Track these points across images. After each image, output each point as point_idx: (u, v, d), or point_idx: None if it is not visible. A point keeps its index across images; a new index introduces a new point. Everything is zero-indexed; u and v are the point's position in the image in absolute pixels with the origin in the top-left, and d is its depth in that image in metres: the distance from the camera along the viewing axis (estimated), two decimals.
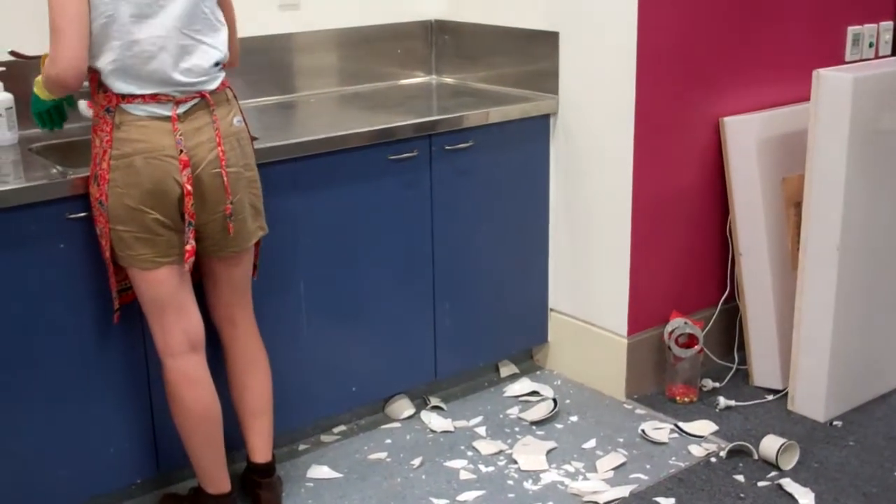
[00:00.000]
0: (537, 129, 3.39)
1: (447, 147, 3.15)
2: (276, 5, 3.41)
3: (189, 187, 2.37)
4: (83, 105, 2.95)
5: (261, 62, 3.36)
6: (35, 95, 2.65)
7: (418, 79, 3.82)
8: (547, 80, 3.39)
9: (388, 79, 3.75)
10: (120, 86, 2.35)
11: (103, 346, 2.61)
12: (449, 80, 3.80)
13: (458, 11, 3.72)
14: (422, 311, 3.24)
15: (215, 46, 2.45)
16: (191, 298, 2.53)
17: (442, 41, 3.80)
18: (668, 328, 3.33)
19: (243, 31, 2.64)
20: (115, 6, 2.29)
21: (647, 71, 3.12)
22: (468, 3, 3.68)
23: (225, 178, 2.43)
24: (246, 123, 2.56)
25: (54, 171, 2.56)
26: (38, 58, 2.83)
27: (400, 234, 3.13)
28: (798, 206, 3.31)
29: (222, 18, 2.49)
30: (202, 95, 2.42)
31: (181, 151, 2.36)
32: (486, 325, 3.42)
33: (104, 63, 2.34)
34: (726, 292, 3.52)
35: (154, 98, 2.36)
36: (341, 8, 3.58)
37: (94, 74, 2.38)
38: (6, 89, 2.85)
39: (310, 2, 3.49)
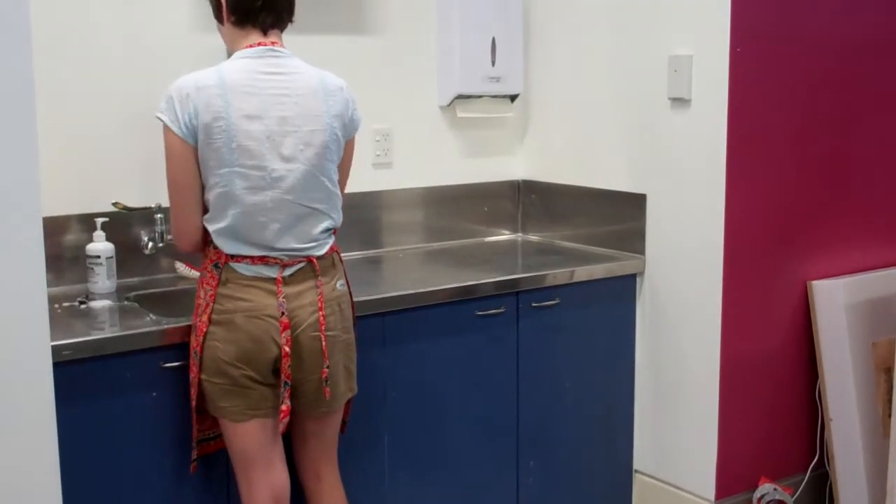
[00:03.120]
0: (624, 289, 3.40)
1: (534, 304, 3.17)
2: (371, 164, 3.51)
3: (287, 349, 2.39)
4: (180, 266, 3.06)
5: (351, 218, 3.41)
6: None
7: (504, 236, 3.88)
8: (633, 240, 3.41)
9: (474, 235, 3.81)
10: (230, 247, 2.40)
11: (183, 495, 2.61)
12: (534, 237, 3.84)
13: (546, 172, 3.79)
14: (506, 469, 3.21)
15: (328, 214, 2.49)
16: (279, 453, 2.53)
17: (529, 200, 3.86)
18: (757, 494, 3.24)
19: None
20: (230, 178, 2.35)
21: (735, 233, 3.14)
22: (555, 164, 3.75)
23: (323, 343, 2.45)
24: (349, 286, 2.60)
25: (149, 319, 2.62)
26: (139, 210, 2.96)
27: (485, 390, 3.12)
28: (889, 371, 3.25)
29: (337, 181, 2.53)
30: (309, 260, 2.46)
31: (283, 314, 2.39)
32: (570, 485, 3.37)
33: (218, 226, 2.40)
34: (816, 458, 3.44)
35: (262, 260, 2.41)
36: (432, 167, 3.68)
37: (206, 231, 2.45)
38: (108, 239, 2.94)
39: (402, 161, 3.60)
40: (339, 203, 2.54)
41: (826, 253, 3.39)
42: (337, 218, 2.53)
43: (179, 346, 2.52)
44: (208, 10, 2.58)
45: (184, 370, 2.52)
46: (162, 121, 2.36)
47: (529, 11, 3.75)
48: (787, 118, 3.22)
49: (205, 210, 2.44)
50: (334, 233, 2.56)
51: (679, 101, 3.20)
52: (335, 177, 2.51)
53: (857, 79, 3.38)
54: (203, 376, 2.43)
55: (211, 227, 2.41)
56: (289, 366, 2.40)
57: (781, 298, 3.31)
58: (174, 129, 2.34)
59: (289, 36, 2.54)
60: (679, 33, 3.19)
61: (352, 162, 2.63)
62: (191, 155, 2.37)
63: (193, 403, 2.48)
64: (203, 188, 2.42)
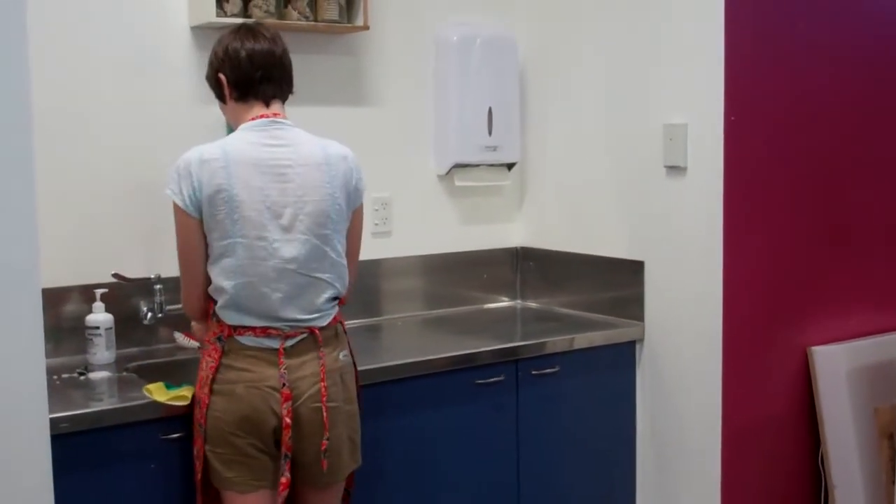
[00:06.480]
0: (623, 356, 3.40)
1: (533, 372, 3.16)
2: (370, 232, 3.51)
3: (288, 420, 2.39)
4: (179, 336, 3.05)
5: None
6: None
7: (503, 303, 3.88)
8: (632, 306, 3.41)
9: (473, 303, 3.81)
10: (232, 318, 2.42)
11: None
12: (533, 304, 3.85)
13: (544, 239, 3.81)
14: None
15: (332, 283, 2.50)
16: None
17: (527, 267, 3.87)
18: None
19: None
20: (233, 249, 2.38)
21: (734, 300, 3.14)
22: (553, 231, 3.77)
23: (324, 414, 2.44)
24: (353, 357, 2.60)
25: None
26: (139, 280, 2.96)
27: (485, 459, 3.10)
28: (891, 437, 3.23)
29: (343, 251, 2.54)
30: (311, 331, 2.47)
31: (284, 385, 2.39)
32: None
33: (220, 297, 2.43)
34: None
35: (264, 331, 2.42)
36: (431, 235, 3.69)
37: (210, 302, 2.47)
38: (107, 310, 2.93)
39: (401, 229, 3.61)
40: (345, 272, 2.54)
41: (825, 318, 3.38)
42: (341, 287, 2.54)
43: (178, 418, 2.51)
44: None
45: (183, 441, 2.51)
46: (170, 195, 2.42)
47: (525, 81, 3.79)
48: (784, 184, 3.24)
49: (208, 281, 2.46)
50: (341, 302, 2.56)
51: (675, 169, 3.22)
52: (340, 247, 2.52)
53: (852, 144, 3.40)
54: (208, 447, 2.42)
55: (215, 298, 2.44)
56: (289, 437, 2.39)
57: (782, 364, 3.30)
58: (179, 202, 2.39)
59: (290, 107, 2.57)
60: (673, 102, 3.22)
61: (361, 231, 2.65)
62: (196, 228, 2.41)
63: (199, 476, 2.46)
64: (207, 259, 2.45)
